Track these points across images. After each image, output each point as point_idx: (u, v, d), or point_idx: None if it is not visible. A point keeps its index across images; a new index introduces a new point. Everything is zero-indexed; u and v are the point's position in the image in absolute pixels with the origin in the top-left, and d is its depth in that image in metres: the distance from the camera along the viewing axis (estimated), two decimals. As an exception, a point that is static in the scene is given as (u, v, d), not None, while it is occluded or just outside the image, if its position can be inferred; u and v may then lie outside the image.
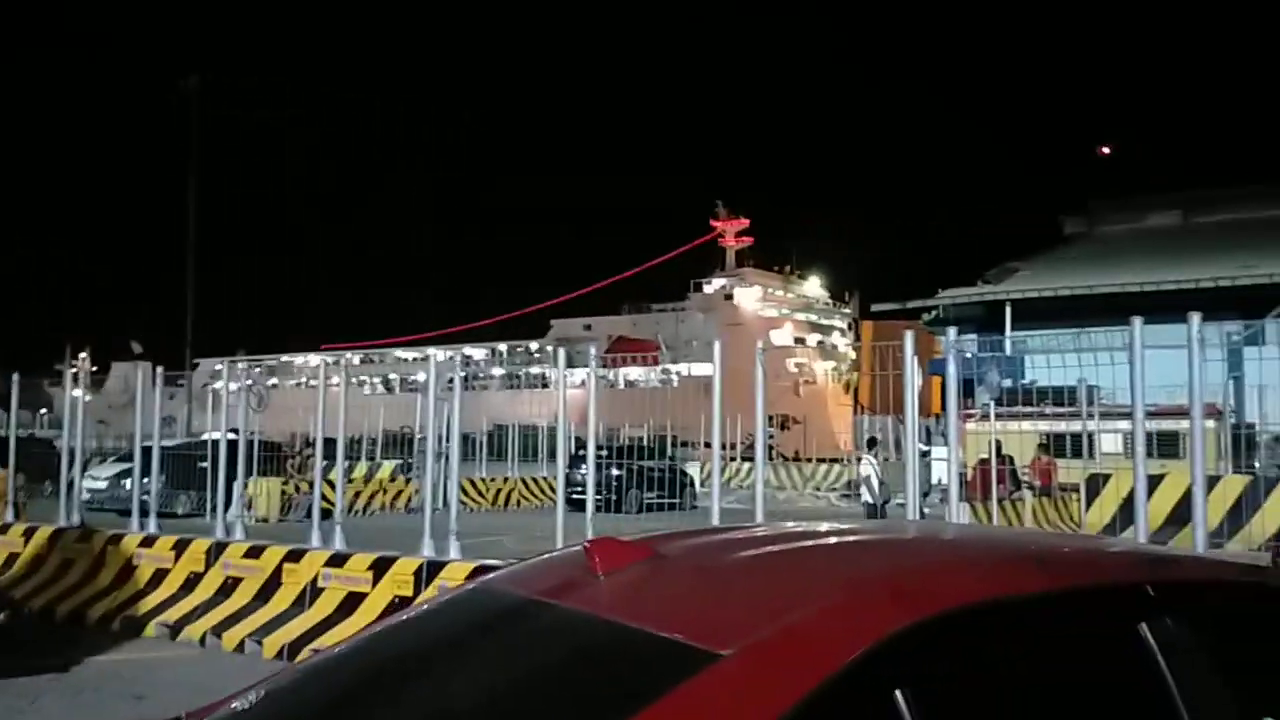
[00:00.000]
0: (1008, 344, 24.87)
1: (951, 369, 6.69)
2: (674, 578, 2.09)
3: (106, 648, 9.08)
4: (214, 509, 11.55)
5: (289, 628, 8.98)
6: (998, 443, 15.71)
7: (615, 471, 19.66)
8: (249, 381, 13.83)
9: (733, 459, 32.58)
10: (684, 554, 2.22)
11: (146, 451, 12.42)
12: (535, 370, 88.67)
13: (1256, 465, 18.82)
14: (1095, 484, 16.58)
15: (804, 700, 1.56)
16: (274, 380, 79.94)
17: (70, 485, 12.79)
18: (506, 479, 28.92)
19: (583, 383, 11.57)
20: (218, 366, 19.43)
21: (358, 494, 22.60)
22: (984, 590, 1.86)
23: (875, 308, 40.84)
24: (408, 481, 25.20)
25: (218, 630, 9.34)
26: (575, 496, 10.18)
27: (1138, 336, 6.03)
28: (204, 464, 15.36)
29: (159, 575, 10.29)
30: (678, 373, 77.68)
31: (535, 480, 29.51)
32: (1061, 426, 20.54)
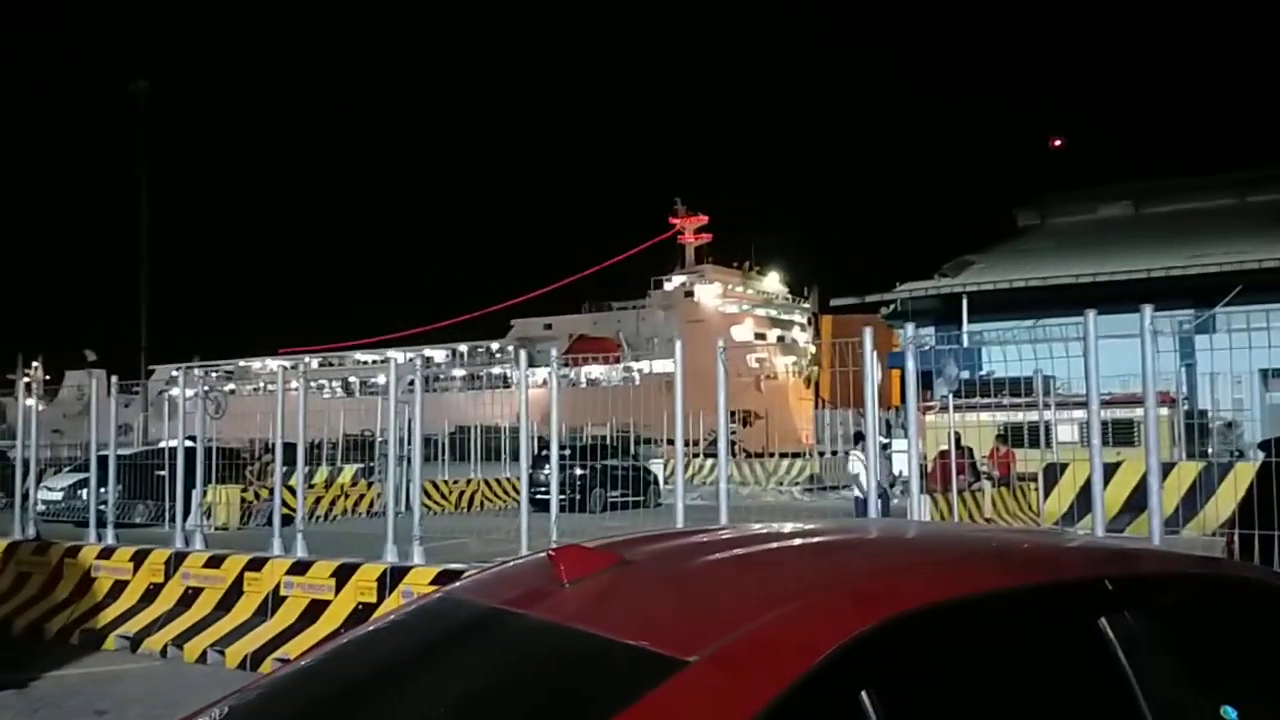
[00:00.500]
0: (964, 336, 25.13)
1: (910, 364, 6.75)
2: (639, 584, 2.10)
3: (66, 662, 8.94)
4: (173, 518, 11.39)
5: (251, 637, 8.90)
6: (957, 434, 15.88)
7: (579, 471, 19.66)
8: (206, 388, 13.67)
9: (696, 455, 32.64)
10: (649, 560, 2.23)
11: (103, 461, 12.24)
12: (496, 371, 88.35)
13: (1209, 451, 19.18)
14: (1053, 473, 16.81)
15: (772, 704, 1.57)
16: (231, 386, 78.99)
17: (25, 497, 12.58)
18: (469, 481, 28.77)
19: (544, 382, 11.55)
20: (174, 373, 19.19)
21: (319, 499, 22.42)
22: (946, 590, 1.88)
23: (834, 302, 41.15)
24: (369, 485, 25.02)
25: (179, 641, 9.23)
26: (539, 497, 10.15)
27: (1091, 327, 6.13)
28: (161, 472, 15.18)
29: (118, 587, 10.15)
30: (639, 370, 77.73)
31: (498, 481, 29.37)
32: (1019, 417, 20.81)
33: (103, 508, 11.85)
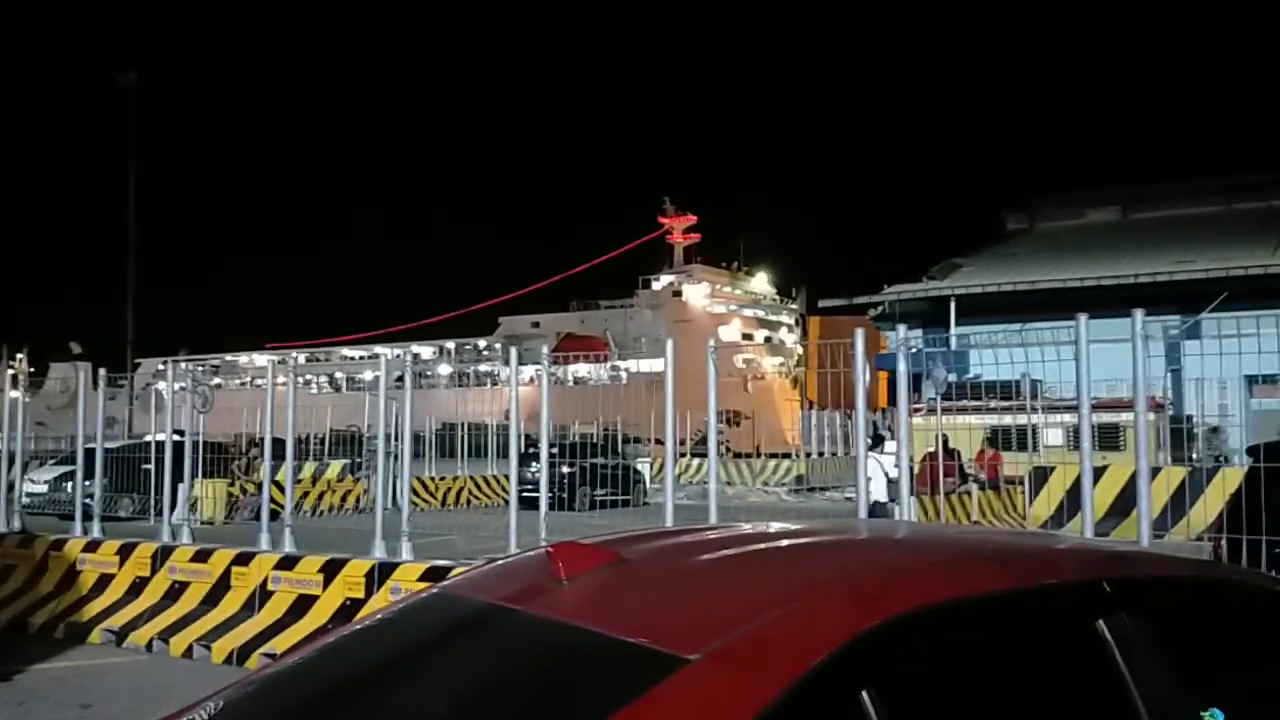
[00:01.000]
0: (952, 339, 25.21)
1: (902, 365, 6.78)
2: (638, 582, 2.09)
3: (51, 655, 8.90)
4: (159, 512, 11.34)
5: (238, 632, 8.87)
6: (944, 437, 15.93)
7: (565, 469, 19.63)
8: (193, 381, 13.60)
9: (683, 455, 32.66)
10: (648, 558, 2.23)
11: (88, 454, 12.18)
12: (484, 368, 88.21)
13: (1194, 456, 19.28)
14: (1040, 476, 16.89)
15: (774, 703, 1.58)
16: (217, 380, 78.71)
17: (10, 489, 12.51)
18: (456, 478, 28.75)
19: (531, 380, 11.53)
20: (160, 366, 19.12)
21: (305, 494, 22.37)
22: (946, 590, 1.89)
23: (822, 304, 41.13)
24: (356, 481, 24.99)
25: (165, 635, 9.20)
26: (526, 495, 10.15)
27: (1083, 332, 6.15)
28: (147, 466, 15.13)
29: (103, 580, 10.11)
30: (626, 369, 77.70)
31: (485, 479, 29.35)
32: (1006, 420, 20.90)
33: (88, 501, 11.79)
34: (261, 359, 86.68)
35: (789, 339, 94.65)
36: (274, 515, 10.55)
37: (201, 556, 9.64)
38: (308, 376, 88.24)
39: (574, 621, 1.91)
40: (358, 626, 2.45)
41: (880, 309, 35.05)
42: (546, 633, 1.92)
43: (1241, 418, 18.96)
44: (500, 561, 2.66)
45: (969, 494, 17.55)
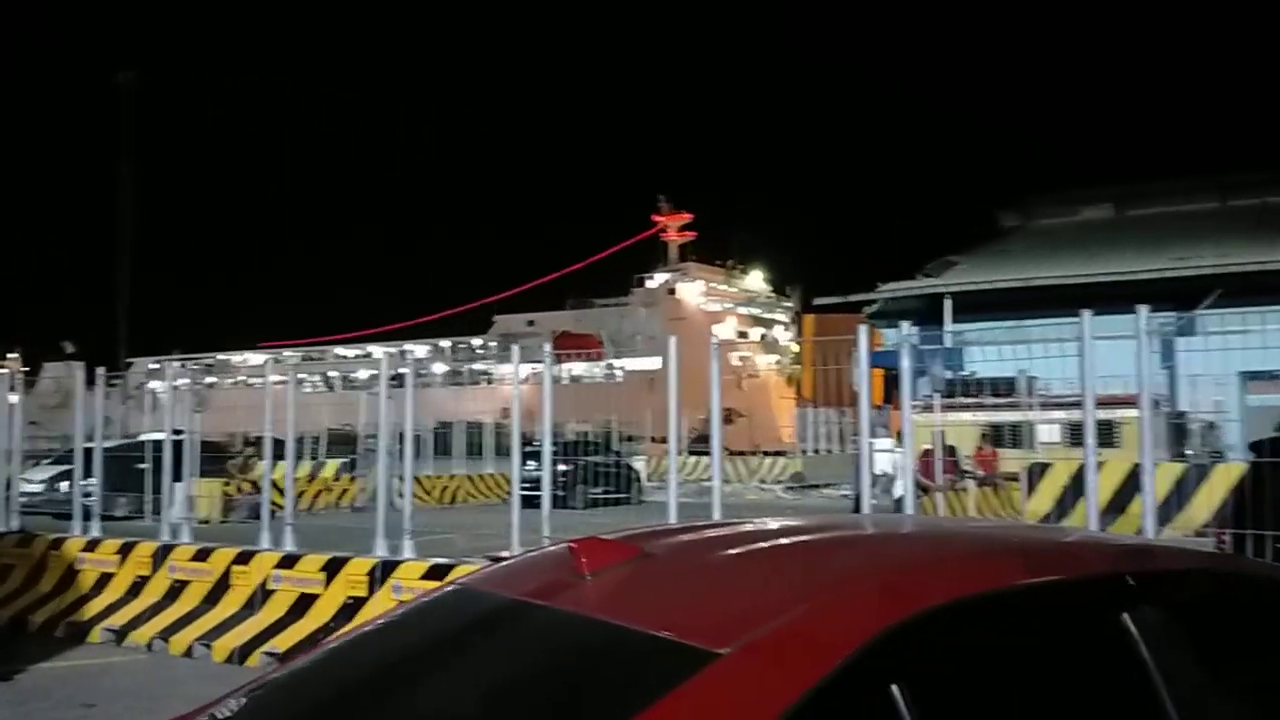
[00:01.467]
0: (947, 336, 25.26)
1: (905, 362, 6.79)
2: (664, 577, 2.10)
3: (51, 654, 8.87)
4: (157, 511, 11.33)
5: (239, 631, 8.86)
6: (941, 433, 15.99)
7: (562, 467, 19.62)
8: (188, 380, 13.59)
9: (679, 452, 32.68)
10: (671, 553, 2.24)
11: (85, 453, 12.15)
12: (479, 366, 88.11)
13: (1189, 452, 19.37)
14: (1036, 473, 16.93)
15: (806, 696, 1.58)
16: (211, 379, 78.56)
17: (8, 487, 12.48)
18: (452, 476, 28.77)
19: (528, 378, 11.51)
20: (153, 365, 19.10)
21: (301, 493, 22.36)
22: (974, 584, 1.90)
23: (817, 301, 41.17)
24: (352, 480, 25.00)
25: (165, 635, 9.18)
26: (524, 493, 10.15)
27: (1087, 328, 6.17)
28: (142, 465, 15.11)
29: (103, 580, 10.09)
30: (621, 368, 77.68)
31: (481, 477, 29.38)
32: (1001, 417, 20.98)
33: (86, 500, 11.76)
34: (256, 358, 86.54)
35: (784, 337, 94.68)
36: (271, 514, 10.54)
37: (202, 555, 9.63)
38: (302, 376, 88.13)
39: (602, 616, 1.91)
40: (378, 624, 2.44)
41: (875, 306, 35.05)
42: (574, 628, 1.92)
43: (1239, 414, 19.01)
44: (520, 558, 2.66)
45: (965, 490, 17.60)
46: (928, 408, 15.75)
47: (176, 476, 11.47)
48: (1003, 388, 19.54)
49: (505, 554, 7.52)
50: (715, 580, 2.06)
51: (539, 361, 9.24)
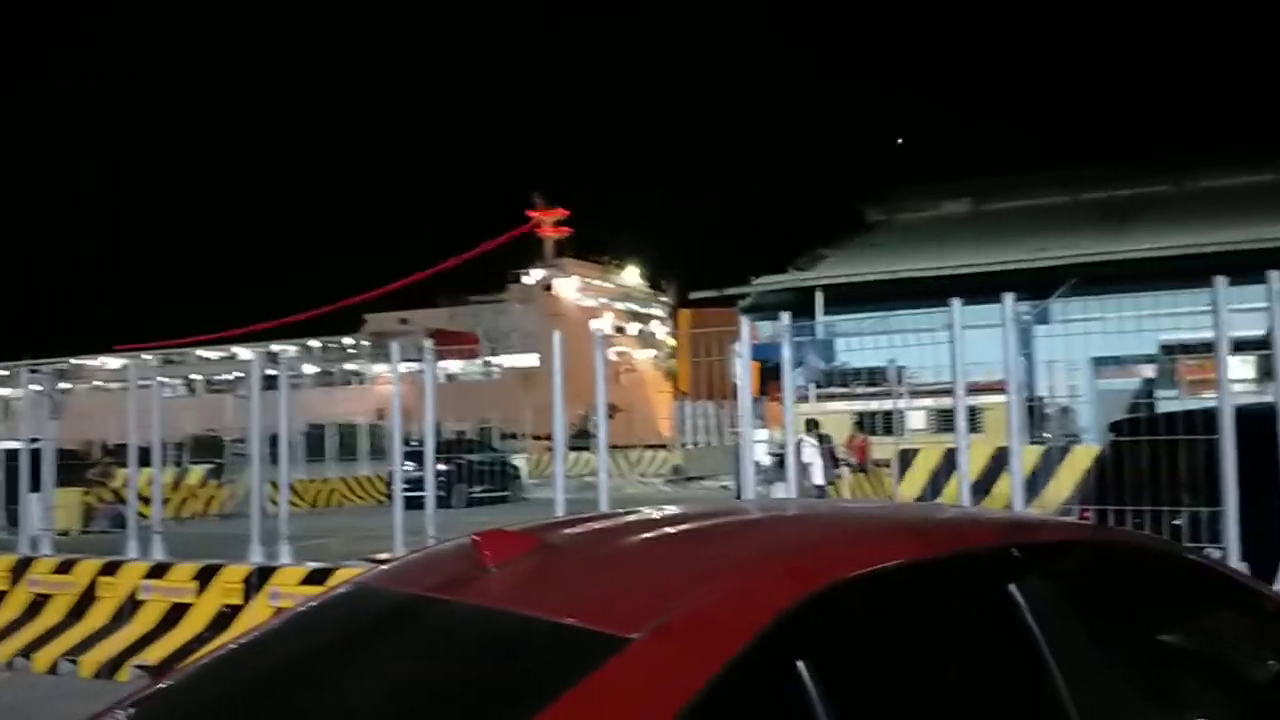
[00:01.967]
0: (820, 328, 25.89)
1: (787, 352, 6.95)
2: (569, 566, 2.11)
3: (-97, 678, 8.37)
4: (14, 523, 10.78)
5: (107, 644, 8.51)
6: (815, 421, 16.39)
7: (441, 466, 19.38)
8: (42, 386, 12.94)
9: (549, 450, 32.66)
10: (574, 542, 2.26)
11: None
12: (351, 366, 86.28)
13: (1047, 436, 20.27)
14: (906, 459, 17.51)
15: (718, 675, 1.62)
16: (65, 384, 74.91)
17: None
18: (326, 479, 28.15)
19: (404, 376, 11.32)
20: (2, 372, 18.12)
21: (167, 500, 21.57)
22: (868, 561, 1.97)
23: (692, 295, 41.62)
24: (219, 486, 24.27)
25: (26, 652, 8.75)
26: (406, 494, 10.03)
27: (957, 317, 6.41)
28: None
29: (-44, 597, 9.55)
30: (499, 365, 77.15)
31: (356, 480, 28.83)
32: (873, 405, 21.62)
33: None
34: (113, 362, 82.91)
35: (661, 331, 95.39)
36: (125, 523, 10.12)
37: (65, 568, 9.22)
38: (162, 380, 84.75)
39: (510, 608, 1.91)
40: (275, 626, 2.38)
41: (749, 300, 35.65)
42: (482, 620, 1.91)
43: (1090, 398, 19.97)
44: (418, 553, 2.63)
45: (840, 478, 18.07)
46: (803, 398, 16.13)
47: (34, 487, 10.94)
48: (875, 377, 20.12)
49: (384, 556, 7.42)
50: (621, 567, 2.08)
51: (415, 360, 9.12)
